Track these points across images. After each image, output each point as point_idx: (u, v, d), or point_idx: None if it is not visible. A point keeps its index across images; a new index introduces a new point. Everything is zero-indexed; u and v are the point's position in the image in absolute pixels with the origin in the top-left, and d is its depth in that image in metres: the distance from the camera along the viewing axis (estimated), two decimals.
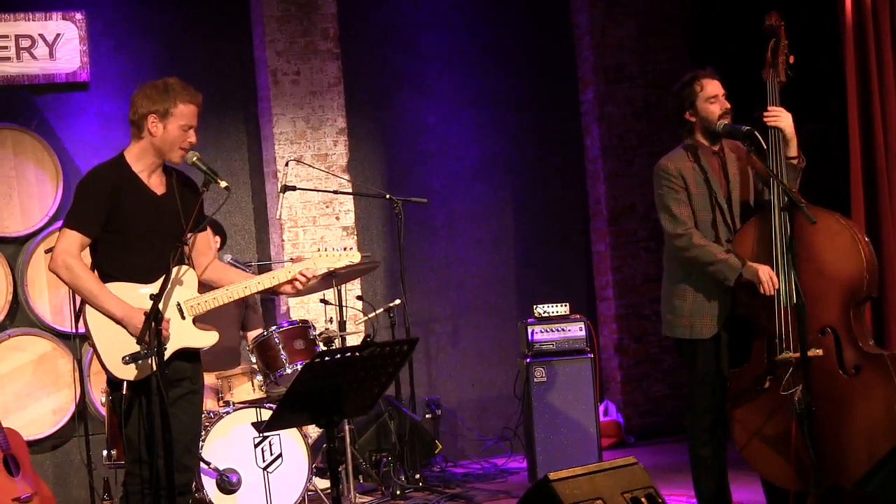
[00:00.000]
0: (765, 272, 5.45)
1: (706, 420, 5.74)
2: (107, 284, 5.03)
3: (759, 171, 5.69)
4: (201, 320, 5.19)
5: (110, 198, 5.05)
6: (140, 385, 4.99)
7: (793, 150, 5.61)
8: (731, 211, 5.70)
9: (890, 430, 5.32)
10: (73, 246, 5.03)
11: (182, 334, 5.11)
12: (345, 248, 6.02)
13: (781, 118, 5.58)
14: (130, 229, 5.07)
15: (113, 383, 5.10)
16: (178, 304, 5.12)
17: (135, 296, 5.01)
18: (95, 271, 5.11)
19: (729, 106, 5.69)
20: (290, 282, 5.23)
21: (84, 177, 5.20)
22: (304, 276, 5.22)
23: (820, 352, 5.39)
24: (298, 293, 5.54)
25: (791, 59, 5.69)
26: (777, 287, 5.44)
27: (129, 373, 4.97)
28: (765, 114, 5.61)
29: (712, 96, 5.68)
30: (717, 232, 5.68)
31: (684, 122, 5.77)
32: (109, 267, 5.08)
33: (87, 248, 5.11)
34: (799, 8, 5.83)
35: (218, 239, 7.25)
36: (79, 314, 5.16)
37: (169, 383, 5.00)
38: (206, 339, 5.21)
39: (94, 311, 5.02)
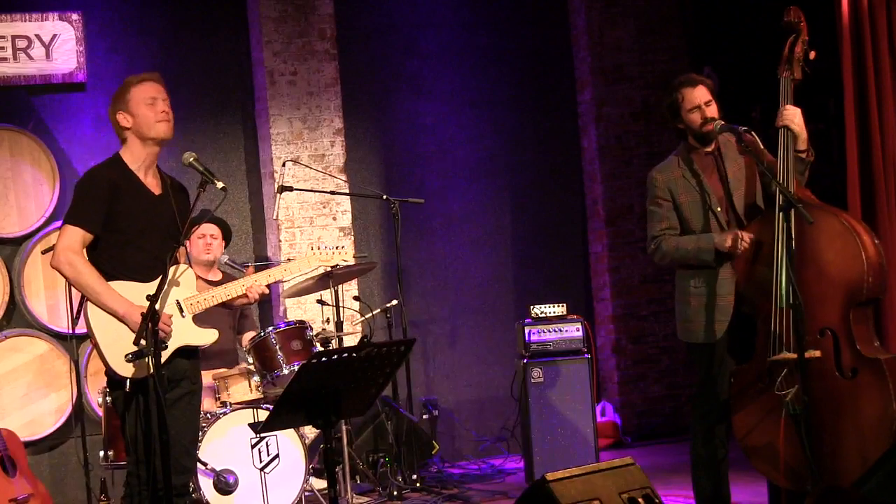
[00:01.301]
0: (730, 235, 5.48)
1: (709, 421, 5.74)
2: (111, 283, 5.04)
3: (759, 172, 5.69)
4: (199, 320, 5.20)
5: (110, 196, 5.06)
6: (142, 384, 4.99)
7: (802, 144, 5.59)
8: (733, 212, 5.69)
9: (882, 435, 5.30)
10: (75, 242, 5.04)
11: (182, 332, 5.14)
12: (336, 247, 6.10)
13: (791, 117, 5.56)
14: (130, 227, 5.09)
15: (114, 382, 5.10)
16: (178, 302, 5.14)
17: (138, 294, 5.01)
18: None
19: (711, 115, 5.65)
20: (244, 295, 5.39)
21: (82, 176, 5.21)
22: (255, 290, 5.37)
23: (818, 353, 5.38)
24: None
25: (812, 55, 5.65)
26: (748, 242, 5.45)
27: (131, 371, 4.98)
28: (779, 112, 5.59)
29: (694, 107, 5.67)
30: None
31: (677, 129, 5.80)
32: (109, 265, 5.08)
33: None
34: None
35: (223, 242, 7.26)
36: (78, 314, 5.17)
37: (169, 383, 5.04)
38: (205, 336, 5.24)
39: (96, 309, 5.03)
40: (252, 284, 5.37)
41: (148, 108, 5.13)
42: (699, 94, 5.67)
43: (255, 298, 5.39)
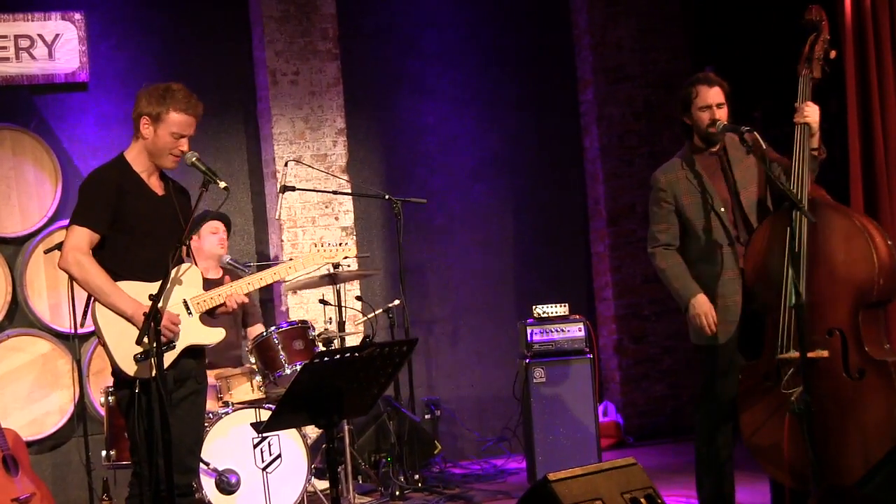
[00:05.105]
0: (706, 312, 5.61)
1: (714, 421, 5.74)
2: (118, 283, 5.04)
3: (763, 172, 5.68)
4: (206, 319, 5.20)
5: (115, 196, 5.06)
6: (149, 383, 4.99)
7: (815, 143, 5.60)
8: (740, 211, 5.69)
9: (886, 436, 5.29)
10: (82, 242, 5.03)
11: (190, 331, 5.14)
12: (339, 244, 6.12)
13: (812, 115, 5.56)
14: (135, 228, 5.09)
15: (121, 382, 5.09)
16: (185, 301, 5.14)
17: (145, 294, 5.00)
18: None
19: (719, 118, 5.64)
20: (222, 304, 5.26)
21: (87, 177, 5.21)
22: (232, 300, 5.24)
23: (825, 353, 5.36)
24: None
25: (832, 55, 5.66)
26: (714, 328, 5.60)
27: (139, 370, 4.97)
28: (798, 108, 5.58)
29: (704, 105, 5.67)
30: (713, 236, 5.68)
31: (683, 124, 5.79)
32: (115, 266, 5.07)
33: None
34: (799, 8, 5.79)
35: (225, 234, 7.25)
36: (84, 314, 5.16)
37: (175, 381, 5.06)
38: (213, 335, 5.24)
39: (104, 309, 5.03)
40: (232, 293, 5.23)
41: (172, 139, 5.11)
42: (713, 95, 5.67)
43: (232, 307, 5.27)
